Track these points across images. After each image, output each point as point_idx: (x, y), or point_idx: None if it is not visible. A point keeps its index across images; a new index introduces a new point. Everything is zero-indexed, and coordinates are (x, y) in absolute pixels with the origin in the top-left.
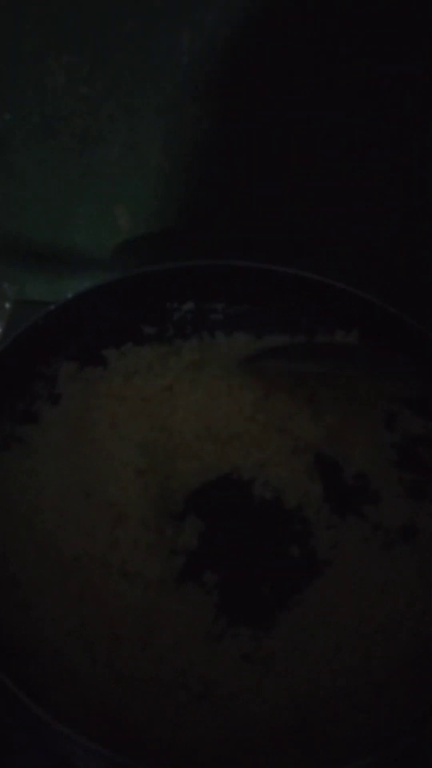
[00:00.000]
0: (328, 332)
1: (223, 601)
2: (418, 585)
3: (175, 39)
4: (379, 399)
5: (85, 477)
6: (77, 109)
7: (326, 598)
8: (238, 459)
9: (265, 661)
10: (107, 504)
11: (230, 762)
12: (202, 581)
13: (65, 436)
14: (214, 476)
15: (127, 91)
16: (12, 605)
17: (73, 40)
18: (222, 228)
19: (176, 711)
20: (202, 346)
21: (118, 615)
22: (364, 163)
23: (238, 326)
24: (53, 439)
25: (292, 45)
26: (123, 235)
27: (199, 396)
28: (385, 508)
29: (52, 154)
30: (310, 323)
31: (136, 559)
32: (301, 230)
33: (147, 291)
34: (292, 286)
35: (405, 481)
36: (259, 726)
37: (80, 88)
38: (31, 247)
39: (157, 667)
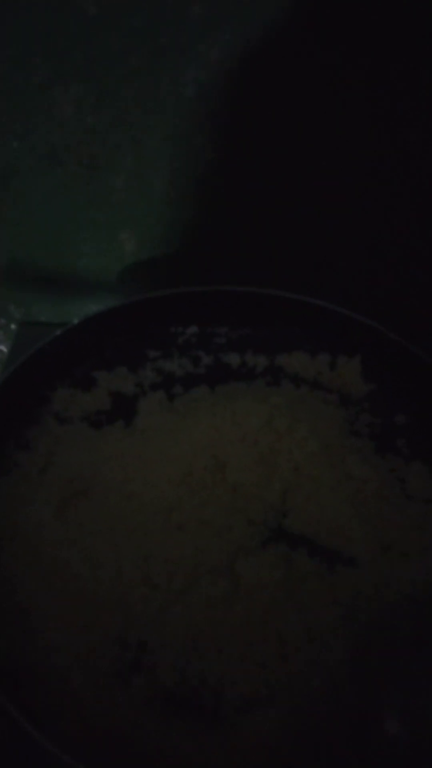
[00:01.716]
0: (331, 356)
1: None
2: None
3: (181, 72)
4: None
5: None
6: (84, 138)
7: None
8: (244, 486)
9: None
10: None
11: None
12: None
13: None
14: (223, 504)
15: (134, 122)
16: (18, 633)
17: (81, 72)
18: (225, 253)
19: (182, 738)
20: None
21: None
22: (369, 192)
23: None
24: None
25: (294, 76)
26: (128, 260)
27: (205, 425)
28: None
29: (59, 181)
30: (313, 348)
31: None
32: (304, 256)
33: (152, 315)
34: (295, 311)
35: None
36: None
37: (87, 119)
38: (38, 271)
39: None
